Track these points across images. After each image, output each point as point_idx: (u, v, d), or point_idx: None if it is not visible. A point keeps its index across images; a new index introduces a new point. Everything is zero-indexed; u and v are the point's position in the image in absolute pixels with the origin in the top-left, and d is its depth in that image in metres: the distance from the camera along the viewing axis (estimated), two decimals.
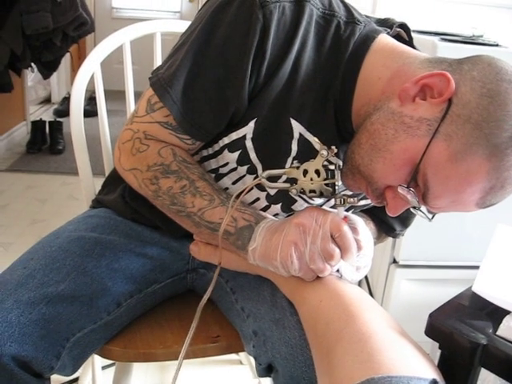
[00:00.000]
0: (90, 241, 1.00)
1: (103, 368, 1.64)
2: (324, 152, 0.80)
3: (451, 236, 1.74)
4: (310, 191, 0.83)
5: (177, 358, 1.02)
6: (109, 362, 1.63)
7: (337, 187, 0.83)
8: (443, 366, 0.79)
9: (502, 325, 0.76)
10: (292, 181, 0.85)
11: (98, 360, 1.55)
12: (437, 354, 0.81)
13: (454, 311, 0.81)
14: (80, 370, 1.66)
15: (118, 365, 1.14)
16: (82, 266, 0.96)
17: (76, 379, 1.70)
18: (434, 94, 0.77)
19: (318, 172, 0.82)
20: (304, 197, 0.96)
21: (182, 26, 1.34)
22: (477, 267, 0.90)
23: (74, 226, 1.05)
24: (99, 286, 0.96)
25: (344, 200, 0.82)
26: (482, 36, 1.80)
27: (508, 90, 0.73)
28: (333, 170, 0.82)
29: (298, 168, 0.83)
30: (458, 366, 0.77)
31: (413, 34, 0.96)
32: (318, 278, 0.85)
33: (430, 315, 0.79)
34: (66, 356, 0.91)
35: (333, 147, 0.80)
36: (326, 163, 0.82)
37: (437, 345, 0.78)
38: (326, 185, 0.82)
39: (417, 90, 0.78)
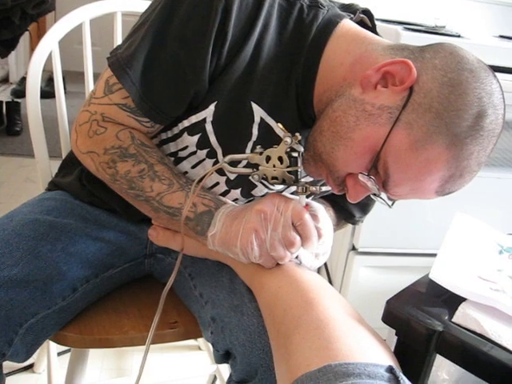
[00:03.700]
0: (44, 224, 0.97)
1: (59, 354, 1.61)
2: (288, 139, 0.80)
3: (410, 224, 1.76)
4: (272, 178, 0.83)
5: (133, 344, 1.02)
6: (64, 348, 1.61)
7: (299, 174, 0.82)
8: (399, 352, 0.79)
9: (457, 312, 0.77)
10: (253, 166, 0.84)
11: (53, 346, 1.52)
12: (393, 340, 0.81)
13: (411, 298, 0.81)
14: (34, 357, 1.64)
15: (73, 351, 1.11)
16: (36, 250, 0.93)
17: (31, 366, 1.67)
18: (395, 81, 0.77)
19: (281, 159, 0.81)
20: (265, 183, 0.95)
21: (144, 6, 1.30)
22: (434, 255, 0.91)
23: (29, 209, 1.02)
24: (54, 270, 0.93)
25: (306, 188, 0.82)
26: (444, 27, 1.82)
27: (469, 80, 0.74)
28: (296, 158, 0.82)
29: (260, 154, 0.83)
30: (414, 352, 0.77)
31: (376, 23, 0.96)
32: (277, 264, 0.85)
33: (387, 302, 0.79)
34: (19, 342, 0.89)
35: (297, 134, 0.80)
36: (288, 150, 0.81)
37: (393, 331, 0.79)
38: (289, 172, 0.82)
39: (378, 78, 0.78)
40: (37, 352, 0.97)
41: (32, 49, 4.62)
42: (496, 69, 0.84)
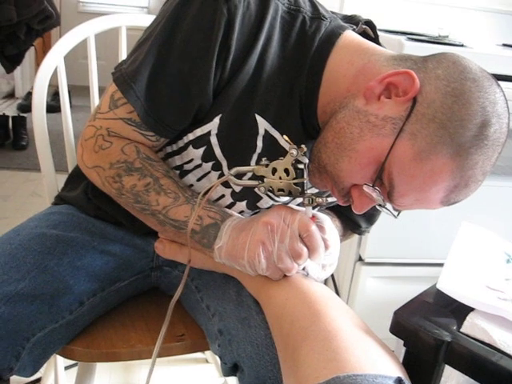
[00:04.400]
0: (51, 238, 0.98)
1: (66, 368, 1.61)
2: (294, 151, 0.80)
3: (416, 233, 1.76)
4: (279, 190, 0.83)
5: (141, 358, 1.01)
6: (72, 362, 1.60)
7: (305, 186, 0.82)
8: (408, 363, 0.79)
9: (466, 322, 0.77)
10: (259, 178, 0.84)
11: (60, 360, 1.52)
12: (402, 351, 0.81)
13: (419, 308, 0.81)
14: (42, 371, 1.63)
15: (80, 365, 1.11)
16: (43, 264, 0.93)
17: (38, 380, 1.66)
18: (398, 92, 0.77)
19: (287, 171, 0.81)
20: (271, 195, 0.95)
21: (148, 21, 1.30)
22: (441, 264, 0.91)
23: (36, 223, 1.03)
24: (61, 284, 0.94)
25: (312, 199, 0.82)
26: (447, 36, 1.82)
27: (472, 89, 0.74)
28: (302, 170, 0.82)
29: (266, 166, 0.83)
30: (422, 363, 0.77)
31: (380, 33, 0.96)
32: (284, 276, 0.85)
33: (395, 313, 0.79)
34: (26, 356, 0.89)
35: (302, 146, 0.80)
36: (294, 162, 0.81)
37: (402, 342, 0.79)
38: (295, 184, 0.82)
39: (382, 89, 0.78)
40: (44, 366, 0.97)
41: (37, 64, 4.65)
42: (499, 77, 0.84)
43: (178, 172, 0.95)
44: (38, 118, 1.24)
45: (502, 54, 1.74)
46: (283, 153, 0.82)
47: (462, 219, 1.06)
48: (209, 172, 0.93)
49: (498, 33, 2.23)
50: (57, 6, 3.29)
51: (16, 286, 0.89)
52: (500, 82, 0.79)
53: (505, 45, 2.03)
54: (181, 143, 0.92)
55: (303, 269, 0.86)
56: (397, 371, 0.68)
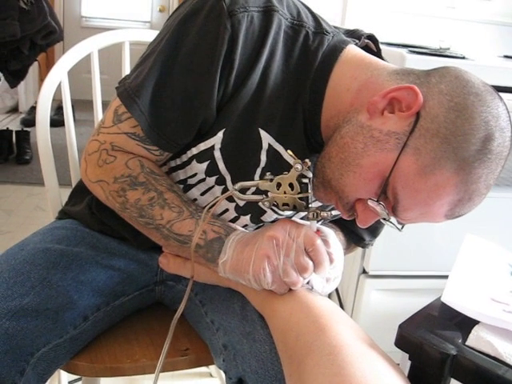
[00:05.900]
0: (55, 253, 0.98)
1: (70, 383, 1.60)
2: (298, 166, 0.80)
3: (420, 246, 1.75)
4: (283, 204, 0.83)
5: (145, 372, 1.01)
6: (76, 376, 1.60)
7: (310, 200, 0.82)
8: (413, 376, 0.79)
9: (471, 335, 0.77)
10: (263, 192, 0.84)
11: (64, 375, 1.51)
12: (407, 364, 0.80)
13: (424, 322, 0.81)
14: None
15: (84, 380, 1.11)
16: (48, 279, 0.93)
17: None
18: (402, 107, 0.78)
19: (291, 185, 0.82)
20: (275, 209, 0.95)
21: (151, 36, 1.33)
22: (446, 276, 0.90)
23: (40, 238, 1.03)
24: (65, 299, 0.94)
25: (317, 214, 0.82)
26: (448, 48, 1.83)
27: (475, 104, 0.74)
28: (306, 184, 0.82)
29: (271, 180, 0.83)
30: (428, 376, 0.77)
31: (381, 46, 0.96)
32: (288, 290, 0.84)
33: (400, 326, 0.78)
34: (31, 372, 0.89)
35: (306, 160, 0.80)
36: (299, 176, 0.82)
37: (407, 355, 0.78)
38: (300, 198, 0.82)
39: (385, 104, 0.78)
40: (48, 381, 0.97)
41: (41, 78, 4.69)
42: (501, 89, 0.84)
43: (181, 186, 0.96)
44: (42, 132, 1.25)
45: (503, 65, 1.75)
46: (287, 167, 0.82)
47: (466, 231, 1.06)
48: (212, 186, 0.94)
49: (499, 44, 2.24)
50: (60, 21, 3.31)
51: (20, 301, 0.89)
52: (502, 94, 0.79)
53: (506, 56, 2.04)
54: (184, 157, 0.92)
55: (307, 283, 0.86)
56: None
